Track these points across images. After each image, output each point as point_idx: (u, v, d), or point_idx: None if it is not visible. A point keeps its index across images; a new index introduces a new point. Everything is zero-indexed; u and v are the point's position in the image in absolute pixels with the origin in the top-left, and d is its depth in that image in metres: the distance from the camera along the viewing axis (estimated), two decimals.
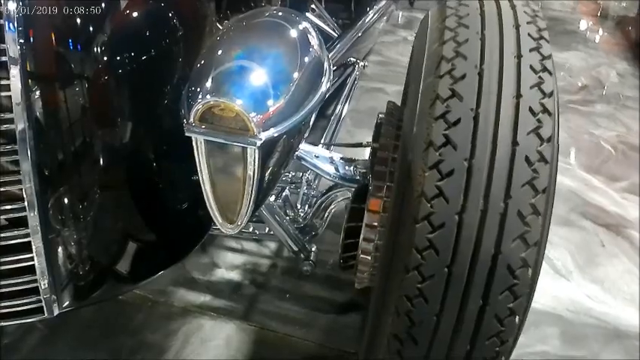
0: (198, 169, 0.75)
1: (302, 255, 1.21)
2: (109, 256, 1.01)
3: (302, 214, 1.25)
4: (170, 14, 0.91)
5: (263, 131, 0.70)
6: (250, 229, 1.32)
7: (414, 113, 0.77)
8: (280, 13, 0.84)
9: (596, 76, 3.02)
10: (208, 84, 0.70)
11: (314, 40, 0.81)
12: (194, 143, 0.73)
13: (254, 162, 0.71)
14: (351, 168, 1.13)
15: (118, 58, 0.85)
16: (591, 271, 1.64)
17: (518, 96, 0.71)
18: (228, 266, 1.53)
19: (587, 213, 1.90)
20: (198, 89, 0.71)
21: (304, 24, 0.82)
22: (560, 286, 1.57)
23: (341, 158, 1.13)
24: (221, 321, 1.35)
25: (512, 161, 0.68)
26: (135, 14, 0.88)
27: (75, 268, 0.95)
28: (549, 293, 1.53)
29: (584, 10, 4.13)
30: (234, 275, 1.50)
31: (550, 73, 0.74)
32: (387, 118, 1.01)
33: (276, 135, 0.71)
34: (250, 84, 0.70)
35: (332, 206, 1.19)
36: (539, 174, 0.68)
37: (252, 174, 0.72)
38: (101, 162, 0.92)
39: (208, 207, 0.80)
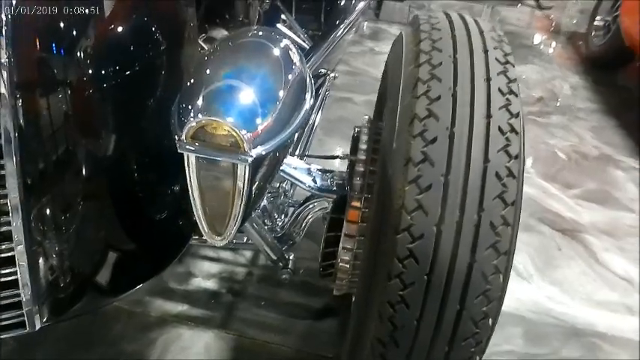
0: (189, 183, 0.78)
1: (280, 263, 1.24)
2: (91, 268, 1.01)
3: (279, 224, 1.29)
4: (154, 28, 0.93)
5: (253, 148, 0.73)
6: None
7: (393, 131, 0.82)
8: (263, 33, 0.87)
9: (551, 88, 3.19)
10: (200, 102, 0.73)
11: (296, 57, 0.85)
12: (185, 159, 0.76)
13: (244, 177, 0.75)
14: (328, 179, 1.17)
15: (104, 69, 0.87)
16: (550, 273, 1.75)
17: (489, 116, 0.77)
18: (205, 275, 1.54)
19: (545, 218, 2.02)
20: (190, 107, 0.74)
21: (286, 42, 0.86)
22: (522, 289, 1.67)
23: (318, 170, 1.17)
24: (199, 330, 1.36)
25: (484, 177, 0.74)
26: (121, 27, 0.90)
27: (56, 281, 0.95)
28: (512, 296, 1.62)
29: (538, 26, 4.35)
30: (211, 284, 1.51)
31: (516, 95, 0.81)
32: (364, 132, 1.06)
33: (264, 153, 0.75)
34: (240, 103, 0.74)
35: (309, 216, 1.23)
36: (508, 188, 0.74)
37: (241, 189, 0.76)
38: (84, 172, 0.92)
39: (197, 220, 0.83)
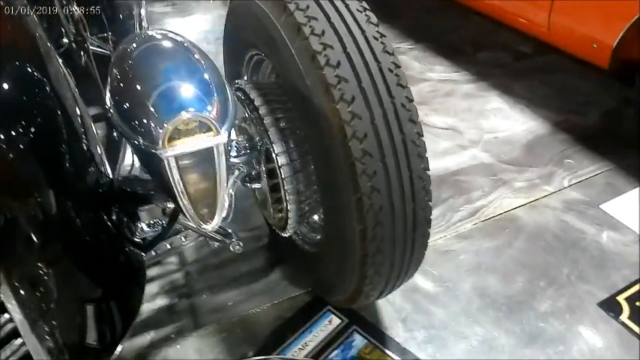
0: (174, 186, 0.83)
1: (227, 240, 1.33)
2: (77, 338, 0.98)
3: None
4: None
5: (223, 126, 0.83)
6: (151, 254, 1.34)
7: (298, 72, 0.99)
8: (154, 35, 0.91)
9: None
10: (159, 108, 0.79)
11: (190, 44, 0.93)
12: (166, 164, 0.80)
13: (223, 156, 0.83)
14: (235, 146, 1.28)
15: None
16: None
17: (363, 31, 0.99)
18: (148, 298, 1.52)
19: None
20: (148, 118, 0.79)
21: (174, 36, 0.93)
22: None
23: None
24: (180, 341, 1.39)
25: (383, 73, 0.97)
26: None
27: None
28: None
29: None
30: (160, 302, 1.51)
31: (369, 10, 1.04)
32: (253, 93, 1.19)
33: (230, 128, 0.85)
34: (192, 95, 0.81)
35: (231, 190, 1.32)
36: (400, 76, 1.00)
37: (223, 167, 0.84)
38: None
39: (189, 216, 0.88)
